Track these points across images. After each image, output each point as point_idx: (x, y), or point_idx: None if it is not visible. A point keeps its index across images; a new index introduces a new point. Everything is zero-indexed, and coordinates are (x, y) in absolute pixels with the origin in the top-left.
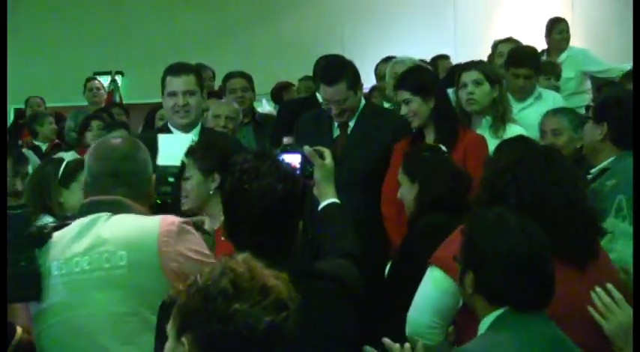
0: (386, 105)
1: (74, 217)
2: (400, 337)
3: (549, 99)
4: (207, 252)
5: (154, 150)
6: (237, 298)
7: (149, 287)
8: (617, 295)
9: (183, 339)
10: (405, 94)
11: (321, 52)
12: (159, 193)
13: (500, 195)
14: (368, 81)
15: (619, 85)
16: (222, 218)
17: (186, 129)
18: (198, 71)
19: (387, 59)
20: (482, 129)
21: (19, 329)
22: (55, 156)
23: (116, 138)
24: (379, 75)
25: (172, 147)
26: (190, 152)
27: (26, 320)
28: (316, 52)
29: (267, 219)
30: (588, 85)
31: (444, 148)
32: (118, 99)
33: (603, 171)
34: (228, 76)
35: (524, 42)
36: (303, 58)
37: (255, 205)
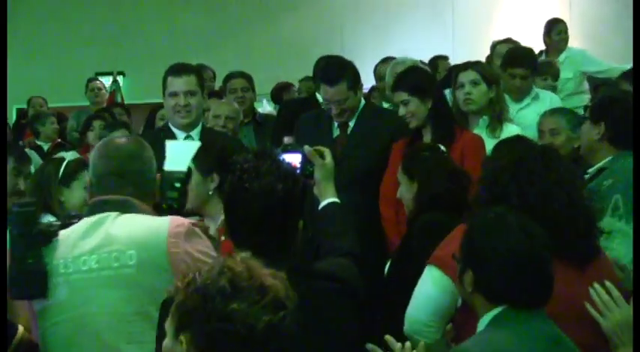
0: (385, 105)
1: (78, 216)
2: (400, 335)
3: (546, 100)
4: (214, 254)
5: (155, 149)
6: (236, 297)
7: (157, 287)
8: (616, 293)
9: (182, 337)
10: (403, 95)
11: (320, 52)
12: (165, 198)
13: (500, 195)
14: (367, 81)
15: (615, 85)
16: (221, 218)
17: (186, 129)
18: (199, 71)
19: (386, 60)
20: (480, 129)
21: (20, 328)
22: (56, 156)
23: (121, 137)
24: (378, 75)
25: (179, 153)
26: None
27: (28, 320)
28: (316, 52)
29: (267, 219)
30: (587, 85)
31: (443, 148)
32: (119, 100)
33: (600, 170)
34: (229, 77)
35: (523, 42)
36: (303, 58)
37: (256, 204)
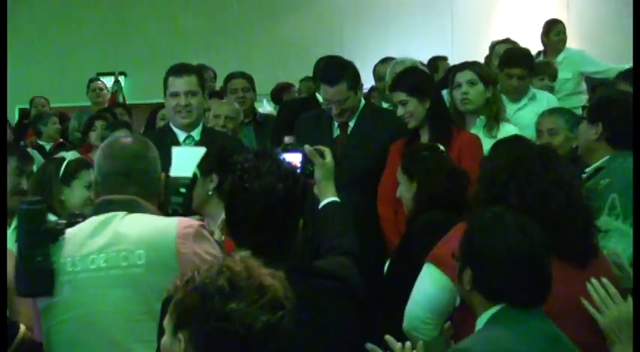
0: (385, 105)
1: (82, 215)
2: (400, 334)
3: (543, 100)
4: (221, 256)
5: (158, 149)
6: (234, 297)
7: (165, 286)
8: (613, 290)
9: (180, 335)
10: (401, 95)
11: (320, 52)
12: (170, 203)
13: (499, 194)
14: (367, 81)
15: (612, 86)
16: (221, 217)
17: (187, 129)
18: (199, 72)
19: (386, 60)
20: (477, 128)
21: (22, 327)
22: (56, 156)
23: (127, 137)
24: (377, 75)
25: (185, 159)
26: None
27: (30, 318)
28: (316, 52)
29: (267, 218)
30: (585, 85)
31: (442, 148)
32: (121, 100)
33: (598, 170)
34: (230, 77)
35: (522, 43)
36: (303, 58)
37: (256, 204)
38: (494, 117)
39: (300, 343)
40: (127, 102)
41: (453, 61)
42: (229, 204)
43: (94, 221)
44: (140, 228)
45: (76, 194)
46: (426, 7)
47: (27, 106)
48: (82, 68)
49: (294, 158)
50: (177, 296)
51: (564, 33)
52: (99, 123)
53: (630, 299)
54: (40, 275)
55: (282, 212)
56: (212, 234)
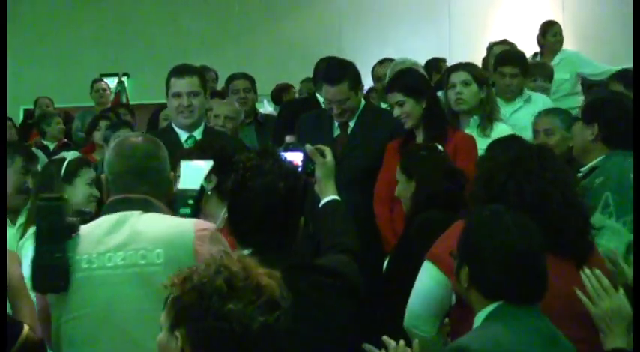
0: (383, 105)
1: (89, 212)
2: (399, 332)
3: (538, 102)
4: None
5: None
6: (232, 297)
7: None
8: (606, 282)
9: (177, 333)
10: (398, 96)
11: (320, 54)
12: (178, 214)
13: (497, 194)
14: (365, 82)
15: (606, 86)
16: (221, 217)
17: (189, 128)
18: (201, 73)
19: (384, 61)
20: (470, 128)
21: (25, 327)
22: (57, 157)
23: (137, 136)
24: (376, 76)
25: (193, 173)
26: (187, 154)
27: (34, 318)
28: (316, 54)
29: (269, 216)
30: (580, 86)
31: (440, 147)
32: (124, 100)
33: (593, 169)
34: (231, 78)
35: (519, 44)
36: (304, 60)
37: (258, 202)
38: (488, 117)
39: (301, 339)
40: (130, 102)
41: (450, 62)
42: (231, 202)
43: (109, 219)
44: (157, 227)
45: (78, 192)
46: (424, 9)
47: (32, 106)
48: (85, 69)
49: (295, 157)
50: (174, 293)
51: (561, 34)
52: (103, 123)
53: (622, 291)
54: (58, 271)
55: (283, 210)
56: None
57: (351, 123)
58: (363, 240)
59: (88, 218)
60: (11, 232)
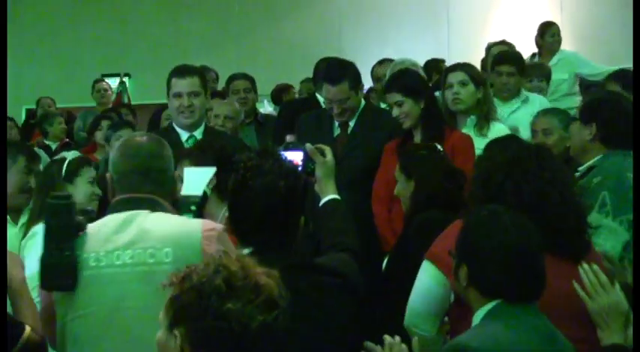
0: (383, 106)
1: (92, 211)
2: (398, 330)
3: (536, 103)
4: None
5: None
6: (231, 297)
7: None
8: (603, 278)
9: (176, 332)
10: (397, 96)
11: (320, 54)
12: None
13: (495, 193)
14: (365, 83)
15: (603, 86)
16: (220, 216)
17: (190, 128)
18: (202, 73)
19: (383, 61)
20: (467, 128)
21: (27, 329)
22: (57, 157)
23: (142, 136)
24: (375, 76)
25: (196, 179)
26: (186, 154)
27: (35, 319)
28: (316, 54)
29: (269, 215)
30: (577, 87)
31: (440, 147)
32: (126, 100)
33: (590, 168)
34: (232, 78)
35: (517, 44)
36: (304, 60)
37: (259, 202)
38: (485, 116)
39: (301, 339)
40: (131, 102)
41: (449, 62)
42: (232, 201)
43: (115, 218)
44: (165, 226)
45: (80, 190)
46: (423, 9)
47: (34, 107)
48: (87, 69)
49: (295, 156)
50: (173, 292)
51: (559, 34)
52: (105, 123)
53: (618, 287)
54: (67, 269)
55: (283, 209)
56: None
57: (351, 123)
58: (363, 239)
59: (92, 216)
60: (14, 231)
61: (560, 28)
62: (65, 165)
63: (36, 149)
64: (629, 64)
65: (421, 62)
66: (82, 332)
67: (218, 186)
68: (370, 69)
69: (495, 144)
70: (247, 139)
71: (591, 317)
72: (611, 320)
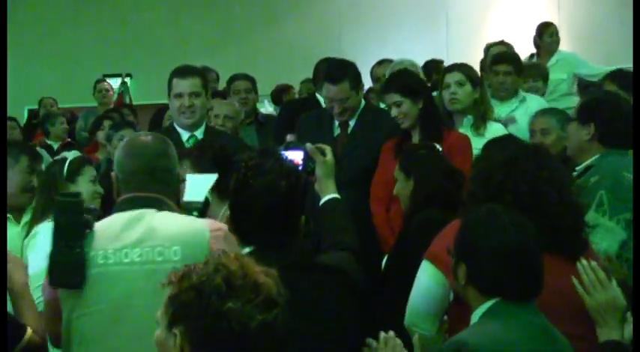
0: (382, 106)
1: (95, 209)
2: (398, 329)
3: (534, 103)
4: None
5: None
6: (231, 296)
7: None
8: (601, 274)
9: (176, 331)
10: (395, 97)
11: (320, 54)
12: None
13: (494, 193)
14: (365, 83)
15: (600, 86)
16: (220, 216)
17: (191, 128)
18: (203, 73)
19: (382, 62)
20: (464, 128)
21: (29, 330)
22: (58, 157)
23: (146, 135)
24: (375, 77)
25: (198, 185)
26: (186, 154)
27: (37, 320)
28: (316, 54)
29: (270, 215)
30: (576, 87)
31: (439, 147)
32: (128, 101)
33: (588, 168)
34: (233, 78)
35: (515, 44)
36: (304, 60)
37: (260, 201)
38: (482, 116)
39: (301, 338)
40: (133, 103)
41: (448, 63)
42: (233, 201)
43: (122, 216)
44: (173, 225)
45: (82, 189)
46: (422, 10)
47: (36, 107)
48: (88, 70)
49: (295, 156)
50: (172, 291)
51: (557, 35)
52: (107, 123)
53: (615, 283)
54: (76, 266)
55: (284, 209)
56: None
57: (351, 123)
58: (363, 238)
59: (97, 215)
60: (16, 230)
61: (558, 28)
62: (67, 165)
63: (38, 149)
64: (626, 64)
65: (420, 62)
66: (89, 329)
67: (218, 185)
68: (370, 69)
69: (493, 144)
70: (248, 139)
71: (589, 313)
72: (609, 317)
